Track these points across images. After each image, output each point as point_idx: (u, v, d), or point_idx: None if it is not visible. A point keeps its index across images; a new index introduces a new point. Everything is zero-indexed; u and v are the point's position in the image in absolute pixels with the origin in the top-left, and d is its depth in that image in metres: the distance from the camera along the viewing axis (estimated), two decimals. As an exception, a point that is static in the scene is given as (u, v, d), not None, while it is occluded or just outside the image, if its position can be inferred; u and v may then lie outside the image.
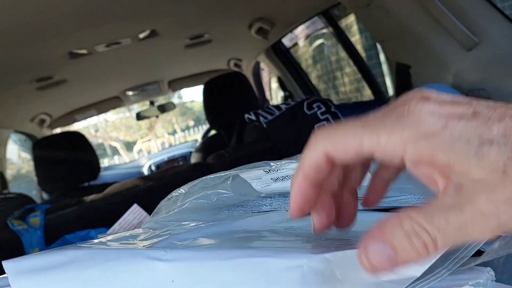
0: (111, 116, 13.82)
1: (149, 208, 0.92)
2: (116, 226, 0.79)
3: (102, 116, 13.23)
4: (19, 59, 1.42)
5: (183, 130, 14.63)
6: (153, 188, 1.15)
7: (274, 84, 3.74)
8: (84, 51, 1.59)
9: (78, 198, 1.16)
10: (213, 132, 2.67)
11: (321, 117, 1.25)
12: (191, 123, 15.32)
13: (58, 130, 2.66)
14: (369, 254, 0.23)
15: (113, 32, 1.47)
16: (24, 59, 1.45)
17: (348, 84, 5.41)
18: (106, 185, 1.30)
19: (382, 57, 4.73)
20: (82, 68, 1.81)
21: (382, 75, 4.76)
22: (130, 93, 2.60)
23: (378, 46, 4.68)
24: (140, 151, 10.58)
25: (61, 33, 1.30)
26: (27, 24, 1.14)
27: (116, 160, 12.30)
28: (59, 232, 1.03)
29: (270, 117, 1.26)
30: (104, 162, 10.78)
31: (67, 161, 1.70)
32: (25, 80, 1.71)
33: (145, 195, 1.11)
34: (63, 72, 1.80)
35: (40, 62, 1.56)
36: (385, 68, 4.78)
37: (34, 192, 2.63)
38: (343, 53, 5.15)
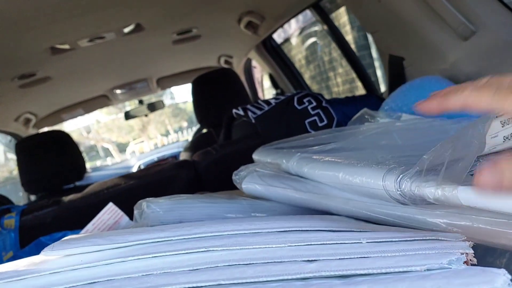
0: (103, 117, 13.74)
1: (130, 207, 0.87)
2: (89, 226, 0.73)
3: (94, 117, 13.16)
4: (-1, 53, 1.36)
5: (176, 131, 14.57)
6: (134, 187, 1.09)
7: (267, 83, 3.70)
8: (66, 46, 1.54)
9: (55, 198, 1.11)
10: (204, 131, 2.62)
11: (312, 112, 1.21)
12: (184, 124, 15.26)
13: (44, 130, 2.59)
14: (482, 175, 0.30)
15: (95, 25, 1.41)
16: (4, 54, 1.40)
17: (340, 79, 5.37)
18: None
19: (373, 49, 4.72)
20: (66, 64, 1.75)
21: (373, 67, 4.73)
22: (118, 91, 2.54)
23: (370, 38, 4.68)
24: (133, 152, 10.52)
25: (40, 25, 1.25)
26: (2, 14, 1.08)
27: (108, 161, 12.22)
28: (34, 234, 0.97)
29: (259, 112, 1.20)
30: (97, 164, 10.70)
31: (51, 161, 1.64)
32: (7, 77, 1.65)
33: (126, 194, 1.06)
34: (46, 68, 1.74)
35: (21, 57, 1.50)
36: (376, 59, 4.76)
37: (21, 194, 2.56)
38: (335, 50, 5.12)
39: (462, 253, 0.30)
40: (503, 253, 0.43)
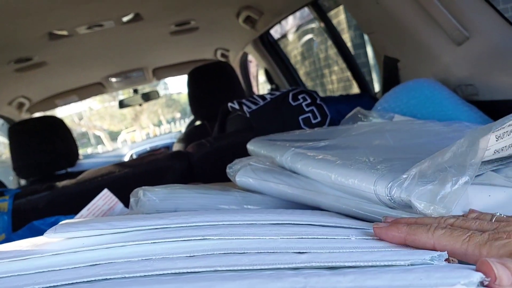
0: (95, 104, 13.67)
1: (124, 195, 0.88)
2: (84, 211, 0.75)
3: (87, 104, 13.09)
4: (-5, 36, 1.36)
5: (168, 122, 14.53)
6: (128, 175, 1.10)
7: (262, 78, 3.71)
8: (64, 32, 1.54)
9: (49, 183, 1.11)
10: (198, 123, 2.63)
11: (306, 109, 1.22)
12: (177, 115, 15.22)
13: (37, 115, 2.58)
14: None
15: (95, 13, 1.42)
16: (1, 37, 1.39)
17: (335, 77, 5.39)
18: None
19: (368, 49, 4.74)
20: (63, 50, 1.75)
21: (367, 66, 4.75)
22: (113, 79, 2.54)
23: (365, 37, 4.70)
24: (124, 141, 10.48)
25: (40, 11, 1.25)
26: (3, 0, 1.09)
27: (99, 149, 12.16)
28: (27, 217, 0.98)
29: (254, 107, 1.22)
30: (88, 151, 10.66)
31: (43, 146, 1.64)
32: (3, 60, 1.65)
33: (120, 182, 1.07)
34: (43, 54, 1.74)
35: (19, 41, 1.50)
36: (371, 59, 4.78)
37: (11, 178, 2.56)
38: (330, 48, 5.14)
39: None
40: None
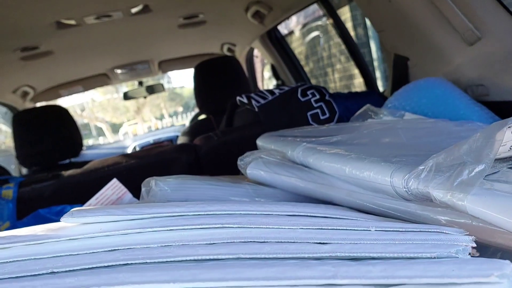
0: (98, 96, 13.66)
1: (130, 186, 0.87)
2: (92, 200, 0.74)
3: (89, 96, 13.08)
4: (3, 23, 1.35)
5: (171, 116, 14.52)
6: (135, 166, 1.10)
7: (267, 74, 3.70)
8: (72, 22, 1.53)
9: (54, 172, 1.11)
10: (202, 117, 2.62)
11: (315, 105, 1.22)
12: (180, 109, 15.21)
13: (41, 105, 2.58)
14: None
15: (104, 3, 1.41)
16: (9, 23, 1.39)
17: (338, 75, 5.38)
18: (88, 163, 1.25)
19: (373, 48, 4.73)
20: (70, 40, 1.75)
21: (372, 65, 4.75)
22: (118, 71, 2.53)
23: (370, 36, 4.70)
24: (126, 133, 10.48)
25: (49, -1, 1.25)
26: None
27: (101, 141, 12.17)
28: (32, 206, 0.98)
29: (262, 101, 1.21)
30: (89, 143, 10.66)
31: (47, 135, 1.64)
32: (9, 47, 1.64)
33: (126, 173, 1.06)
34: (50, 43, 1.73)
35: (26, 29, 1.49)
36: (375, 59, 4.78)
37: (13, 167, 2.56)
38: (335, 47, 5.13)
39: (466, 246, 0.31)
40: (495, 252, 0.44)
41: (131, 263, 0.29)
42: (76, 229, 0.36)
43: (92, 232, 0.34)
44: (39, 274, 0.30)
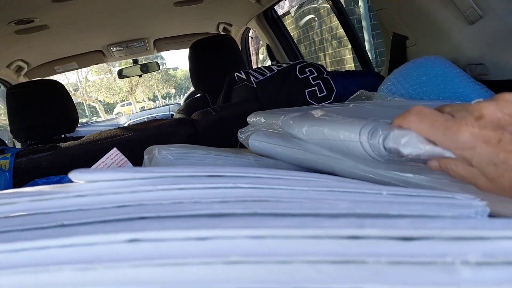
0: (91, 76, 13.54)
1: (128, 159, 0.87)
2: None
3: (83, 75, 12.95)
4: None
5: (164, 97, 14.44)
6: (132, 139, 1.09)
7: (261, 55, 3.67)
8: (68, -5, 1.51)
9: (52, 144, 1.10)
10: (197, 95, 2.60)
11: (313, 82, 1.21)
12: (173, 90, 15.12)
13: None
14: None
15: (101, -24, 1.39)
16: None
17: (332, 57, 5.38)
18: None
19: (365, 32, 4.74)
20: (66, 14, 1.72)
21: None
22: (114, 48, 2.51)
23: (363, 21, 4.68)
24: (119, 113, 10.41)
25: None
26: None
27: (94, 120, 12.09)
28: (29, 176, 0.97)
29: (261, 77, 1.21)
30: (83, 121, 10.59)
31: (42, 109, 1.62)
32: (3, 20, 1.61)
33: (124, 145, 1.06)
34: (45, 16, 1.70)
35: (21, 1, 1.46)
36: (367, 42, 4.79)
37: (7, 142, 2.53)
38: (327, 32, 5.11)
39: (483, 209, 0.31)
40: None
41: (145, 217, 0.28)
42: (84, 186, 0.35)
43: (101, 188, 0.34)
44: (48, 227, 0.29)
